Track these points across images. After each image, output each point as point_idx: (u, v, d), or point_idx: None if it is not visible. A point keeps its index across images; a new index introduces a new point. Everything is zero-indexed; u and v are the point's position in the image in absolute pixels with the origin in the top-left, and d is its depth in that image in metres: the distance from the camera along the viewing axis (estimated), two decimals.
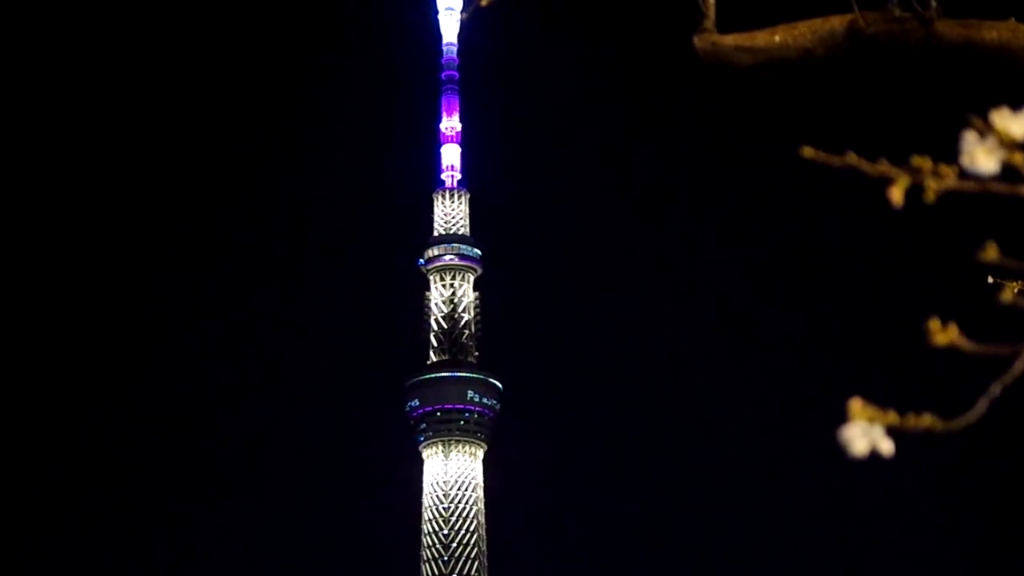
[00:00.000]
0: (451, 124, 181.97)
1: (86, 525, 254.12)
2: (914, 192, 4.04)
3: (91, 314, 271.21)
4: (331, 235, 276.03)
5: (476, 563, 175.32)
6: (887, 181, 4.05)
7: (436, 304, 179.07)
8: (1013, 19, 6.00)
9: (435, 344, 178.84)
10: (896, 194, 4.03)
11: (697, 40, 6.38)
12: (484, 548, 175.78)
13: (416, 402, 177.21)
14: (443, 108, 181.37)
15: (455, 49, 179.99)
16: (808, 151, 4.39)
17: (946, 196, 4.03)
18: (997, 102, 3.99)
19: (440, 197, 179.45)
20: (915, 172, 4.04)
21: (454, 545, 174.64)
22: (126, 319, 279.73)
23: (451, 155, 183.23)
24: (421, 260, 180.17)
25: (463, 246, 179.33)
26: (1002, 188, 3.97)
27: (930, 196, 4.05)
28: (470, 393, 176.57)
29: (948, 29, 5.99)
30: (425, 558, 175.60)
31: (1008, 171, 3.96)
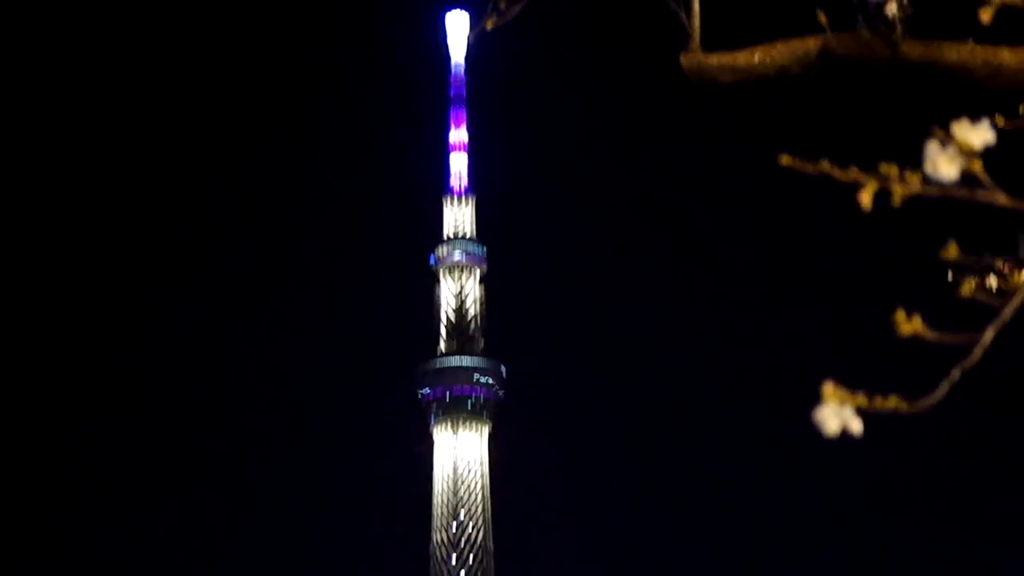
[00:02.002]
0: (459, 135, 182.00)
1: (94, 507, 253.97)
2: (882, 196, 4.05)
3: (98, 288, 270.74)
4: (350, 237, 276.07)
5: (482, 532, 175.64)
6: (857, 186, 4.05)
7: (445, 298, 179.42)
8: (972, 40, 6.00)
9: (445, 334, 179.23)
10: (865, 198, 4.03)
11: (683, 59, 6.39)
12: (490, 519, 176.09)
13: (427, 387, 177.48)
14: (451, 121, 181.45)
15: (463, 68, 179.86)
16: (785, 159, 4.39)
17: (911, 200, 4.03)
18: (957, 115, 3.99)
19: (449, 201, 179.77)
20: (883, 178, 4.04)
21: (462, 516, 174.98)
22: (141, 307, 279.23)
23: (459, 163, 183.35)
24: (432, 258, 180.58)
25: (470, 245, 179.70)
26: (962, 193, 3.97)
27: (896, 200, 4.05)
28: (477, 378, 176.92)
29: (912, 50, 6.00)
30: (436, 526, 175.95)
31: (967, 178, 3.97)
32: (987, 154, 3.95)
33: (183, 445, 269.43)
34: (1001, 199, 3.92)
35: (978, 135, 3.93)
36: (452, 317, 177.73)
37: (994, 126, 4.00)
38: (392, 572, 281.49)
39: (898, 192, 3.98)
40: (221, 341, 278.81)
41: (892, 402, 4.11)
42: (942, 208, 4.05)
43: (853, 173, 4.08)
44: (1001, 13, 4.59)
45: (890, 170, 4.03)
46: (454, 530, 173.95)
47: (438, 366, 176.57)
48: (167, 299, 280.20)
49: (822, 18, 6.02)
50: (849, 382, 4.06)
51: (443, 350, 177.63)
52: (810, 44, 6.20)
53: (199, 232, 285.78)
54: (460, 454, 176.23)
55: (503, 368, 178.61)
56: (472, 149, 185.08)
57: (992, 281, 5.62)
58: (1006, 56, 5.94)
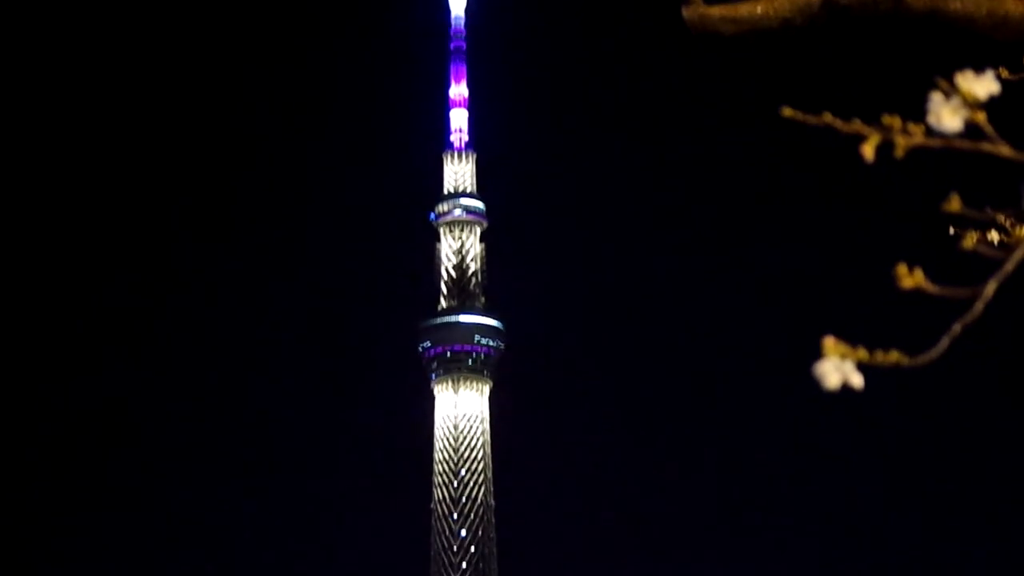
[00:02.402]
0: (459, 90, 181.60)
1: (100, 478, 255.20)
2: (885, 148, 4.02)
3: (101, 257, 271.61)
4: (350, 194, 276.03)
5: (483, 488, 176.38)
6: (860, 138, 4.02)
7: (446, 255, 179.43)
8: None
9: (445, 291, 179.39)
10: (868, 150, 4.00)
11: (685, 11, 6.34)
12: (490, 475, 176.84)
13: (428, 343, 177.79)
14: (452, 76, 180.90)
15: (463, 21, 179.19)
16: (788, 111, 4.35)
17: (914, 152, 4.00)
18: (961, 65, 3.95)
19: (449, 157, 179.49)
20: (886, 130, 4.01)
21: (463, 472, 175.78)
22: (146, 269, 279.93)
23: (459, 119, 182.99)
24: (432, 215, 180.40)
25: (470, 202, 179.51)
26: (965, 145, 3.94)
27: (899, 152, 4.02)
28: (477, 335, 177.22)
29: (916, 0, 5.95)
30: (437, 483, 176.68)
31: (971, 129, 3.93)
32: (991, 105, 3.92)
33: (182, 402, 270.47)
34: (1005, 151, 3.89)
35: (982, 86, 3.89)
36: (452, 274, 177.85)
37: (998, 77, 3.96)
38: (394, 529, 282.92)
39: (901, 144, 3.95)
40: (223, 294, 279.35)
41: (893, 356, 4.09)
42: (945, 160, 4.02)
43: (856, 125, 4.05)
44: None
45: (893, 122, 4.00)
46: (455, 487, 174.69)
47: (439, 323, 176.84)
48: (172, 252, 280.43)
49: None
50: (850, 336, 4.04)
51: (444, 307, 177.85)
52: None
53: (200, 190, 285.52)
54: (461, 411, 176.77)
55: (503, 325, 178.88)
56: (472, 105, 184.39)
57: (994, 235, 5.60)
58: (1011, 5, 5.88)
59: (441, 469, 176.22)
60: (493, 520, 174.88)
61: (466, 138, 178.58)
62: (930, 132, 3.93)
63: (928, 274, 4.05)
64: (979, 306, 4.07)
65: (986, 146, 3.89)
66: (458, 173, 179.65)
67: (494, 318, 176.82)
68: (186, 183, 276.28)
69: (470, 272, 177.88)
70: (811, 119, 4.21)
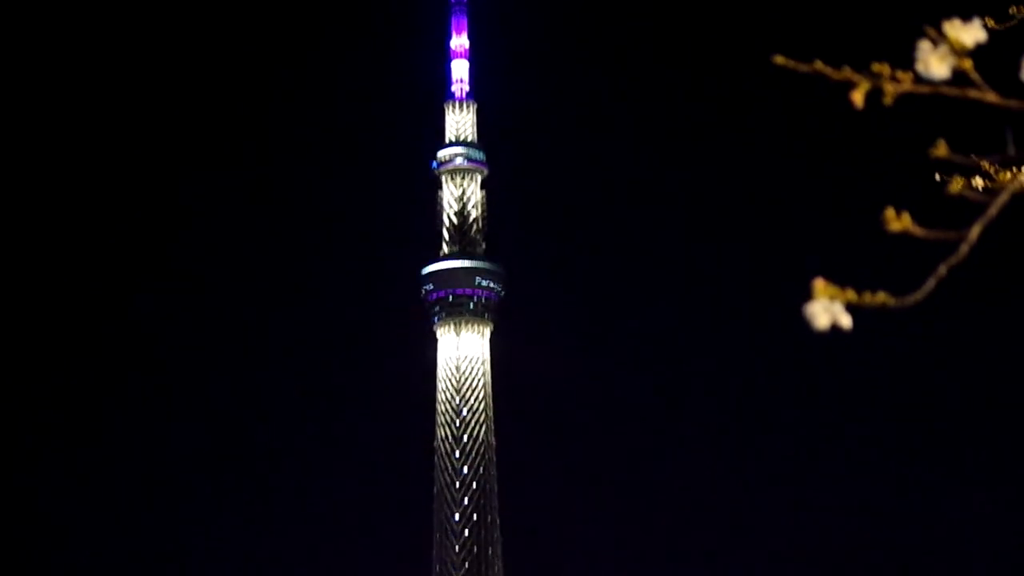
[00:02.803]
0: (460, 41, 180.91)
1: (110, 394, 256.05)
2: (874, 95, 4.02)
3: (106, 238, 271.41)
4: (354, 142, 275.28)
5: (484, 427, 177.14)
6: (850, 85, 4.02)
7: (448, 202, 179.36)
8: None
9: (447, 237, 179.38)
10: (858, 97, 4.01)
11: None
12: (491, 414, 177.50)
13: (431, 287, 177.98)
14: (453, 27, 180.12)
15: None
16: (779, 58, 4.35)
17: (902, 98, 4.01)
18: (948, 14, 3.94)
19: (451, 107, 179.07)
20: (875, 77, 4.01)
21: (465, 412, 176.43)
22: (149, 230, 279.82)
23: (460, 69, 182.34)
24: (434, 163, 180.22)
25: (471, 150, 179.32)
26: (953, 91, 3.94)
27: (888, 99, 4.02)
28: (478, 279, 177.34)
29: None
30: (440, 423, 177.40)
31: (958, 76, 3.93)
32: (978, 53, 3.92)
33: (204, 344, 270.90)
34: (990, 97, 3.89)
35: (969, 34, 3.89)
36: (454, 220, 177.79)
37: (985, 26, 3.96)
38: (398, 468, 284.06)
39: (890, 91, 3.96)
40: (230, 241, 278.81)
41: (880, 297, 4.11)
42: (933, 106, 4.03)
43: (846, 72, 4.05)
44: None
45: (882, 69, 4.00)
46: (457, 426, 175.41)
47: (441, 268, 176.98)
48: (179, 212, 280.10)
49: None
50: (839, 278, 4.06)
51: (445, 252, 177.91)
52: None
53: (205, 148, 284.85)
54: (463, 353, 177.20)
55: (504, 269, 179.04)
56: (473, 55, 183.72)
57: (978, 181, 5.61)
58: None
59: (444, 409, 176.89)
60: (494, 458, 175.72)
61: (467, 88, 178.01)
62: (918, 79, 3.94)
63: (915, 218, 4.07)
64: (964, 249, 4.09)
65: (973, 93, 3.89)
66: (459, 122, 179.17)
67: (494, 263, 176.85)
68: (189, 127, 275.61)
69: (471, 219, 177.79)
70: (802, 67, 4.20)
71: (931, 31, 3.87)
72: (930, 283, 4.17)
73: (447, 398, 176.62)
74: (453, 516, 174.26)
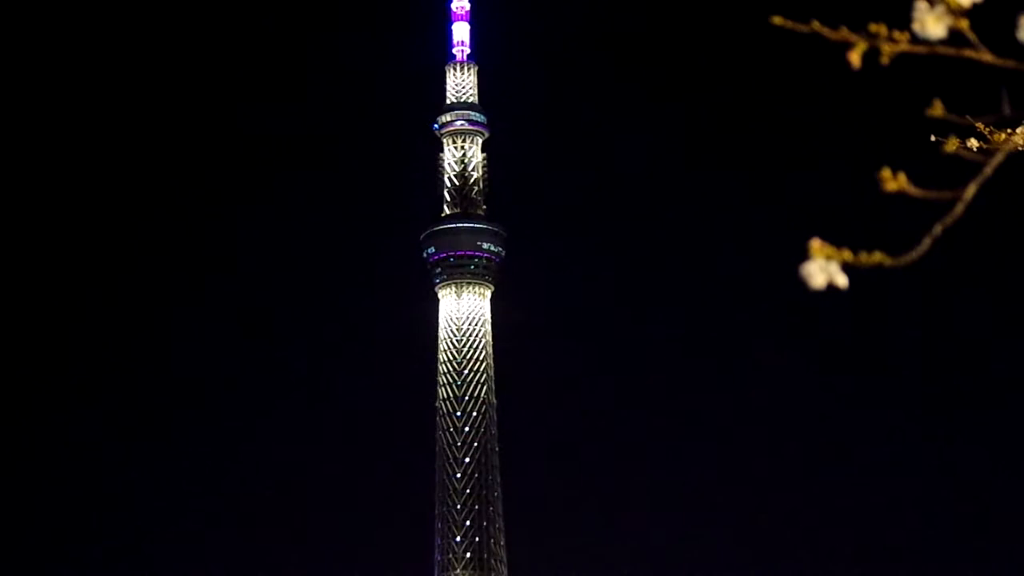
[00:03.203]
0: (461, 4, 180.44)
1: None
2: (871, 55, 3.99)
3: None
4: (357, 106, 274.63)
5: (485, 386, 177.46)
6: (847, 45, 3.99)
7: (449, 164, 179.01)
8: None
9: (448, 199, 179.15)
10: (855, 57, 3.98)
11: None
12: (492, 373, 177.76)
13: (432, 249, 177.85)
14: None
15: None
16: (777, 19, 4.31)
17: (899, 59, 3.98)
18: None
19: (452, 70, 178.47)
20: (872, 37, 3.98)
21: (466, 371, 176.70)
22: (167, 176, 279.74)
23: (461, 32, 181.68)
24: (436, 125, 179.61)
25: (472, 113, 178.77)
26: (949, 51, 3.91)
27: (885, 59, 3.99)
28: (479, 241, 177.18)
29: None
30: (441, 383, 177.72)
31: (954, 36, 3.90)
32: (974, 13, 3.88)
33: (196, 310, 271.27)
34: (986, 57, 3.86)
35: None
36: (455, 182, 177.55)
37: None
38: (400, 426, 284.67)
39: (886, 51, 3.93)
40: (238, 198, 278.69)
41: (877, 257, 4.09)
42: (929, 66, 4.00)
43: (843, 32, 4.02)
44: None
45: (879, 29, 3.98)
46: (459, 385, 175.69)
47: (442, 229, 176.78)
48: (189, 175, 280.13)
49: None
50: (835, 237, 4.04)
51: (447, 214, 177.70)
52: None
53: (212, 116, 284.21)
54: (464, 313, 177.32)
55: (504, 231, 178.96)
56: (474, 18, 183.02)
57: (973, 142, 5.58)
58: None
59: (445, 369, 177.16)
60: (495, 417, 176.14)
61: (468, 51, 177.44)
62: (915, 39, 3.91)
63: (911, 178, 4.05)
64: (960, 208, 4.07)
65: (969, 53, 3.87)
66: (460, 85, 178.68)
67: (495, 225, 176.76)
68: (191, 110, 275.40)
69: (472, 180, 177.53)
70: (800, 27, 4.17)
71: None
72: (926, 242, 4.15)
73: (448, 358, 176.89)
74: (455, 475, 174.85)
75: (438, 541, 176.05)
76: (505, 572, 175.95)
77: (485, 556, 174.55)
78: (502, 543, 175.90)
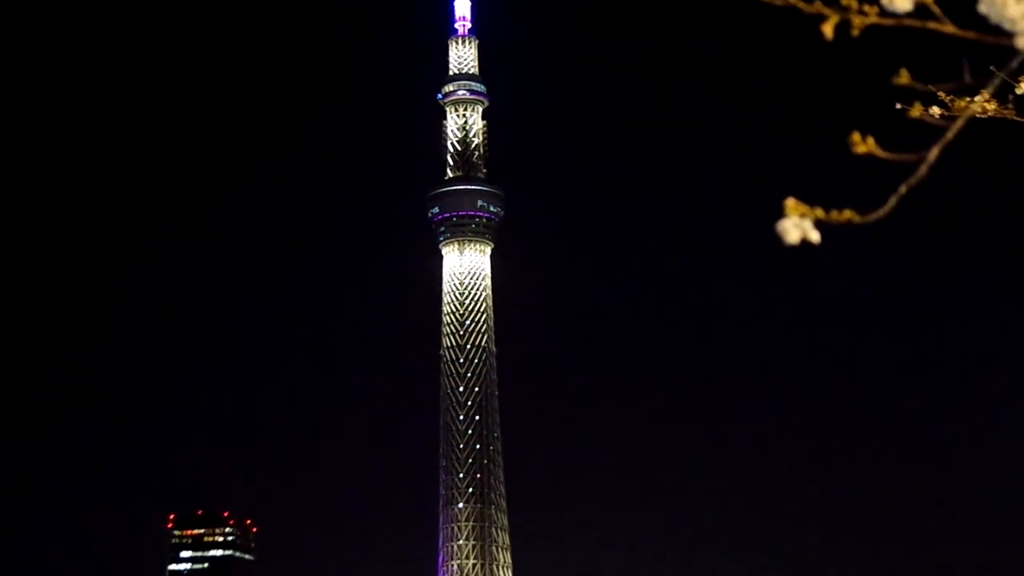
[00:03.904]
0: None
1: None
2: (843, 27, 3.97)
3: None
4: (365, 78, 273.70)
5: (485, 336, 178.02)
6: (821, 17, 3.97)
7: (451, 131, 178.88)
8: None
9: (451, 163, 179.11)
10: (828, 29, 3.96)
11: None
12: (491, 324, 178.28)
13: (436, 209, 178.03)
14: None
15: None
16: None
17: (868, 30, 3.96)
18: None
19: (454, 43, 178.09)
20: (843, 10, 3.96)
21: (468, 322, 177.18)
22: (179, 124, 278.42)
23: (463, 7, 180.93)
24: (439, 95, 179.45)
25: (473, 83, 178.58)
26: (914, 23, 3.89)
27: (855, 30, 3.97)
28: (480, 202, 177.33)
29: None
30: (445, 332, 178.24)
31: (920, 9, 3.88)
32: None
33: (208, 274, 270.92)
34: (949, 28, 3.85)
35: None
36: (457, 147, 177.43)
37: None
38: (407, 374, 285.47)
39: (857, 23, 3.91)
40: (250, 169, 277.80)
41: (847, 214, 4.09)
42: (896, 37, 3.98)
43: (817, 6, 4.00)
44: None
45: (850, 2, 3.96)
46: (461, 335, 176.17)
47: (445, 191, 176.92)
48: (199, 137, 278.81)
49: None
50: (808, 196, 4.04)
51: (450, 177, 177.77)
52: None
53: (220, 87, 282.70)
54: (466, 269, 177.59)
55: (503, 193, 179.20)
56: None
57: (935, 110, 5.56)
58: None
59: (448, 320, 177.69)
60: (494, 364, 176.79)
61: (469, 25, 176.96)
62: (883, 12, 3.89)
63: (879, 141, 4.04)
64: (923, 169, 4.06)
65: (933, 25, 3.85)
66: (462, 57, 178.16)
67: (495, 186, 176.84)
68: (199, 70, 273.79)
69: (473, 146, 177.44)
70: (776, 1, 4.15)
71: None
72: (892, 201, 4.14)
73: (452, 310, 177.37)
74: (457, 416, 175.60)
75: (443, 477, 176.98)
76: (504, 505, 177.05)
77: (485, 491, 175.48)
78: (501, 479, 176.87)
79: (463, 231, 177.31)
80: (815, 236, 4.02)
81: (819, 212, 4.02)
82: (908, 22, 3.83)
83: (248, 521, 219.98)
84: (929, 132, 4.21)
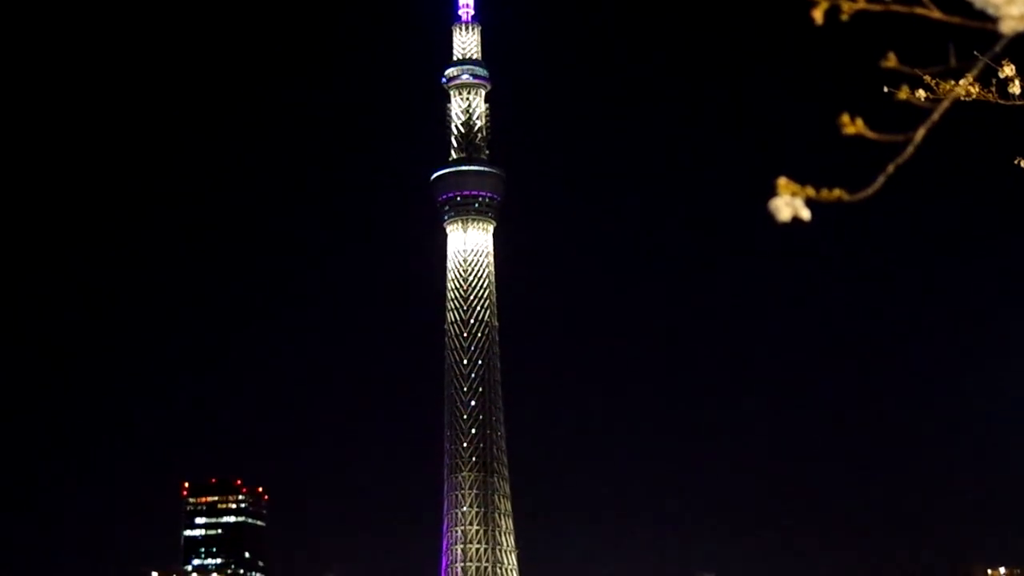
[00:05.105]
0: None
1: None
2: (833, 12, 3.97)
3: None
4: (372, 62, 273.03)
5: (488, 311, 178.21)
6: (811, 3, 3.97)
7: (455, 114, 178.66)
8: None
9: (455, 144, 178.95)
10: (818, 14, 3.96)
11: None
12: (494, 300, 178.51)
13: (441, 190, 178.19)
14: None
15: None
16: None
17: (857, 15, 3.95)
18: None
19: (458, 29, 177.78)
20: None
21: (471, 296, 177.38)
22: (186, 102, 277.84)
23: None
24: (443, 79, 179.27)
25: (476, 68, 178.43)
26: (902, 8, 3.89)
27: (845, 15, 3.97)
28: (482, 182, 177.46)
29: None
30: (450, 307, 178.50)
31: None
32: None
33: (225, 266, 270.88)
34: (935, 14, 3.85)
35: None
36: (461, 130, 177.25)
37: None
38: (414, 346, 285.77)
39: (846, 8, 3.91)
40: (265, 151, 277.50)
41: (836, 193, 4.09)
42: (884, 22, 3.97)
43: None
44: None
45: None
46: (465, 310, 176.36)
47: (450, 172, 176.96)
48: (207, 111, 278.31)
49: None
50: (799, 175, 4.04)
51: (454, 158, 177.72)
52: None
53: (233, 74, 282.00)
54: (469, 247, 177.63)
55: (505, 173, 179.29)
56: None
57: (921, 93, 5.55)
58: None
59: (453, 296, 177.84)
60: (496, 337, 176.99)
61: (472, 12, 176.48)
62: None
63: (867, 122, 4.04)
64: (910, 149, 4.06)
65: (919, 10, 3.85)
66: (465, 43, 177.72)
67: (497, 168, 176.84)
68: (211, 62, 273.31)
69: (476, 128, 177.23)
70: None
71: None
72: (880, 180, 4.15)
73: (456, 286, 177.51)
74: (461, 388, 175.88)
75: (447, 446, 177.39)
76: (506, 473, 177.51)
77: (488, 460, 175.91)
78: (503, 448, 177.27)
79: (466, 210, 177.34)
80: (806, 214, 4.02)
81: (810, 191, 4.02)
82: (895, 7, 3.83)
83: (260, 489, 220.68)
84: (916, 113, 4.21)
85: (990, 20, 3.56)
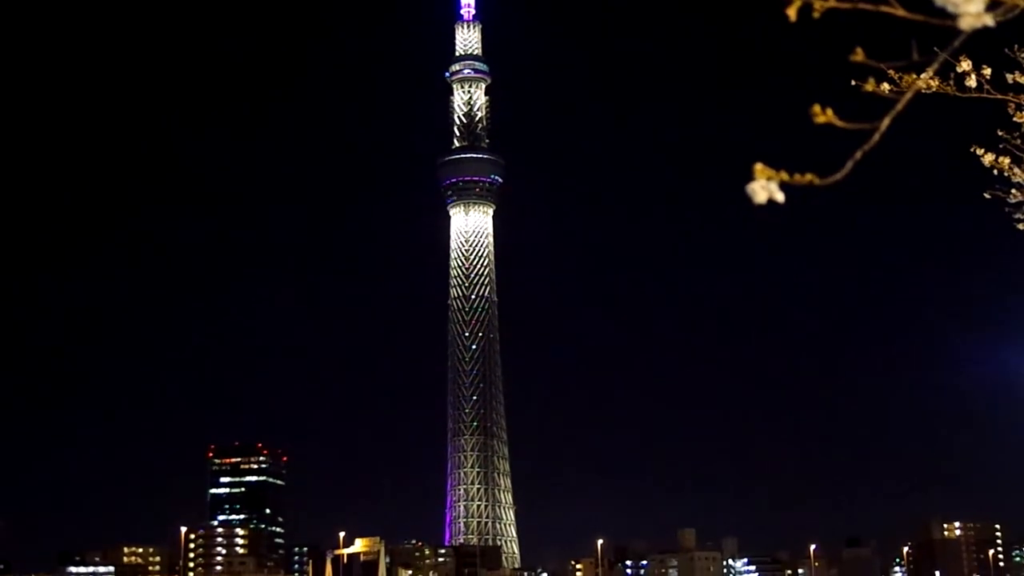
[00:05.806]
0: None
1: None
2: (805, 9, 3.97)
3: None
4: (380, 57, 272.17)
5: (488, 288, 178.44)
6: (786, 2, 3.96)
7: (458, 105, 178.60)
8: None
9: (458, 133, 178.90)
10: (792, 11, 3.95)
11: None
12: (494, 277, 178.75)
13: (444, 175, 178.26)
14: None
15: None
16: None
17: (828, 12, 3.96)
18: None
19: (460, 27, 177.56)
20: None
21: (472, 275, 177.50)
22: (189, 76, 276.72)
23: None
24: (447, 73, 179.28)
25: (477, 63, 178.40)
26: (869, 6, 3.89)
27: (817, 13, 3.97)
28: (483, 169, 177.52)
29: None
30: (453, 284, 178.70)
31: None
32: None
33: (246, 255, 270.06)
34: (899, 11, 3.85)
35: None
36: (463, 120, 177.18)
37: None
38: (419, 322, 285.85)
39: (818, 6, 3.91)
40: (279, 140, 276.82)
41: (808, 177, 4.10)
42: (852, 19, 3.97)
43: None
44: None
45: None
46: (466, 287, 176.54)
47: (452, 159, 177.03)
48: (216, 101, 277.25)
49: None
50: (774, 161, 4.05)
51: (457, 146, 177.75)
52: None
53: (234, 57, 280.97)
54: (471, 228, 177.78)
55: (504, 160, 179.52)
56: None
57: (885, 86, 5.56)
58: None
59: (456, 274, 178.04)
60: (496, 312, 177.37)
61: (473, 11, 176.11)
62: None
63: (837, 112, 4.04)
64: (876, 137, 4.07)
65: (885, 8, 3.85)
66: (467, 39, 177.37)
67: (496, 156, 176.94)
68: (210, 43, 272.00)
69: (477, 119, 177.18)
70: None
71: None
72: (848, 165, 4.16)
73: (458, 265, 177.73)
74: (464, 359, 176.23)
75: (451, 412, 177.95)
76: (505, 437, 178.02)
77: (488, 425, 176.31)
78: (502, 414, 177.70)
79: (468, 194, 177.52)
80: (780, 196, 4.03)
81: (784, 175, 4.02)
82: (863, 5, 3.83)
83: (280, 451, 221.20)
84: (881, 104, 4.21)
85: (950, 17, 3.56)
